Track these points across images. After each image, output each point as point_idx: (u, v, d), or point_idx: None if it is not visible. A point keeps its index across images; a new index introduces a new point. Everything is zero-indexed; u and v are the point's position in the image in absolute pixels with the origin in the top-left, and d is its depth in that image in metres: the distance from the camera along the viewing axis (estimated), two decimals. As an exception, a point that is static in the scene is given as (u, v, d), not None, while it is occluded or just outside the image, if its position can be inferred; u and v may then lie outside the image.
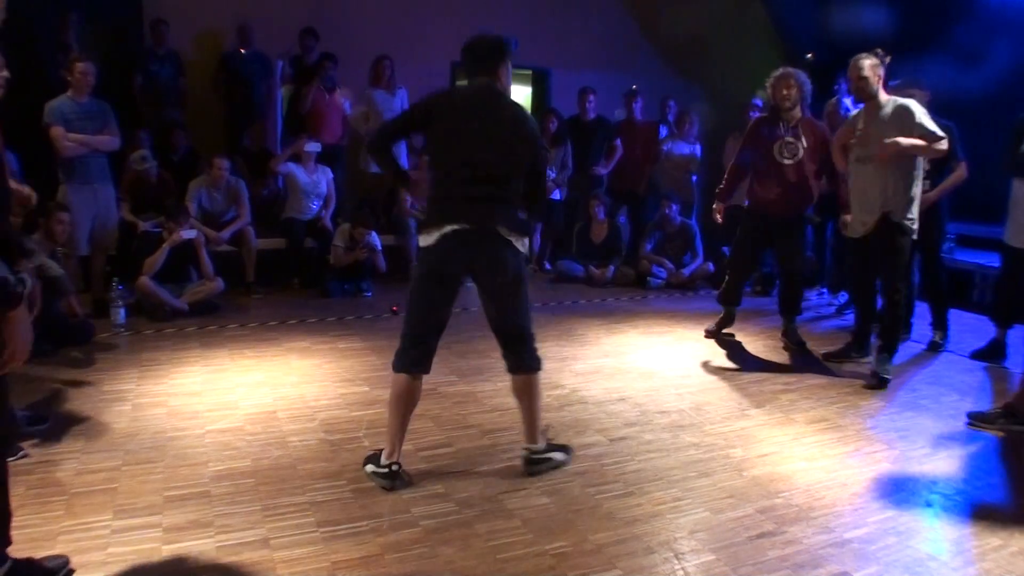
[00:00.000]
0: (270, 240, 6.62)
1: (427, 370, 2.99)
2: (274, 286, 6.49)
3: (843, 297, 6.42)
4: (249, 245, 6.30)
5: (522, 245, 2.98)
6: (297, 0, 8.07)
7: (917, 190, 4.38)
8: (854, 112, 4.60)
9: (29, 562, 2.25)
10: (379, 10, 8.47)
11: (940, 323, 5.27)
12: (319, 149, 6.76)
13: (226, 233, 6.16)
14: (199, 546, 2.51)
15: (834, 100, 6.21)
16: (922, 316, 5.46)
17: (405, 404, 2.99)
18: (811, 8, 8.51)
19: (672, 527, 2.75)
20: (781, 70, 5.01)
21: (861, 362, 4.78)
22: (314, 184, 6.74)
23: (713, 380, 4.46)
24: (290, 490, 2.92)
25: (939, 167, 4.98)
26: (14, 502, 2.71)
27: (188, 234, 5.54)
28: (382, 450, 3.05)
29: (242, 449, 3.28)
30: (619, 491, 3.00)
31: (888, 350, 4.50)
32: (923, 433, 3.76)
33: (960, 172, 5.02)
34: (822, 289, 6.90)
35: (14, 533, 2.52)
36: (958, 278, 6.66)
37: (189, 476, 3.01)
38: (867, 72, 4.30)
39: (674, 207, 7.25)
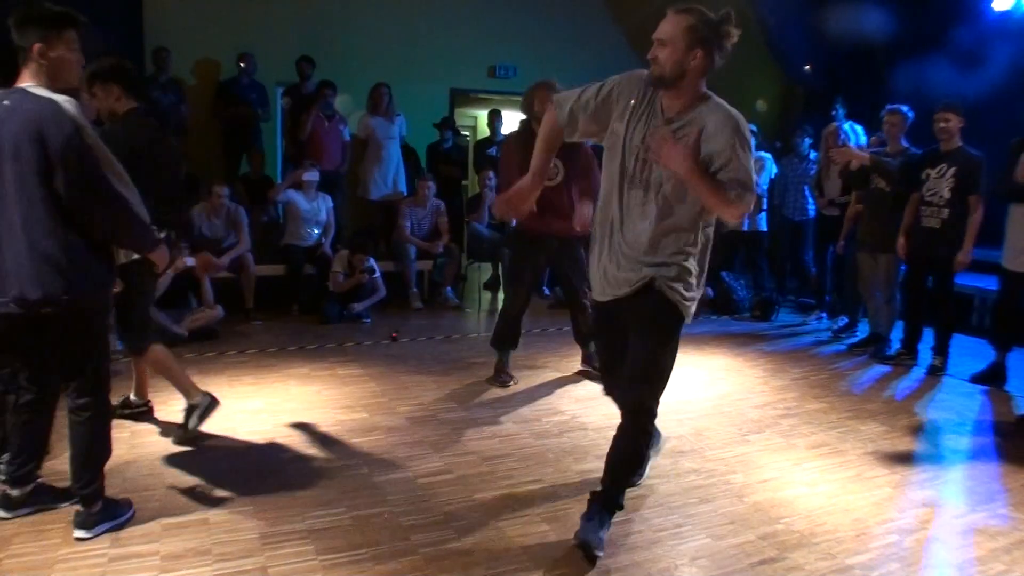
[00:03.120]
0: (269, 266, 6.63)
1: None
2: (273, 312, 6.49)
3: (842, 321, 6.43)
4: (248, 272, 6.31)
5: None
6: (295, 28, 8.17)
7: (700, 247, 2.64)
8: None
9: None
10: (377, 38, 8.57)
11: (942, 348, 5.26)
12: (317, 178, 6.79)
13: (225, 259, 6.17)
14: (197, 575, 2.49)
15: (832, 127, 6.23)
16: (924, 339, 5.47)
17: (172, 358, 3.71)
18: (804, 26, 8.59)
19: (673, 554, 2.73)
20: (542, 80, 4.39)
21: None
22: (314, 211, 6.77)
23: (713, 405, 4.45)
24: (289, 518, 2.91)
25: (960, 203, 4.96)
26: (8, 530, 2.71)
27: (191, 261, 5.56)
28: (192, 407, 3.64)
29: (240, 476, 3.26)
30: (619, 517, 2.97)
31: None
32: (924, 457, 3.75)
33: (977, 213, 4.96)
34: (821, 314, 6.90)
35: (11, 562, 2.51)
36: (957, 302, 6.68)
37: (187, 504, 2.99)
38: (679, 33, 2.40)
39: None
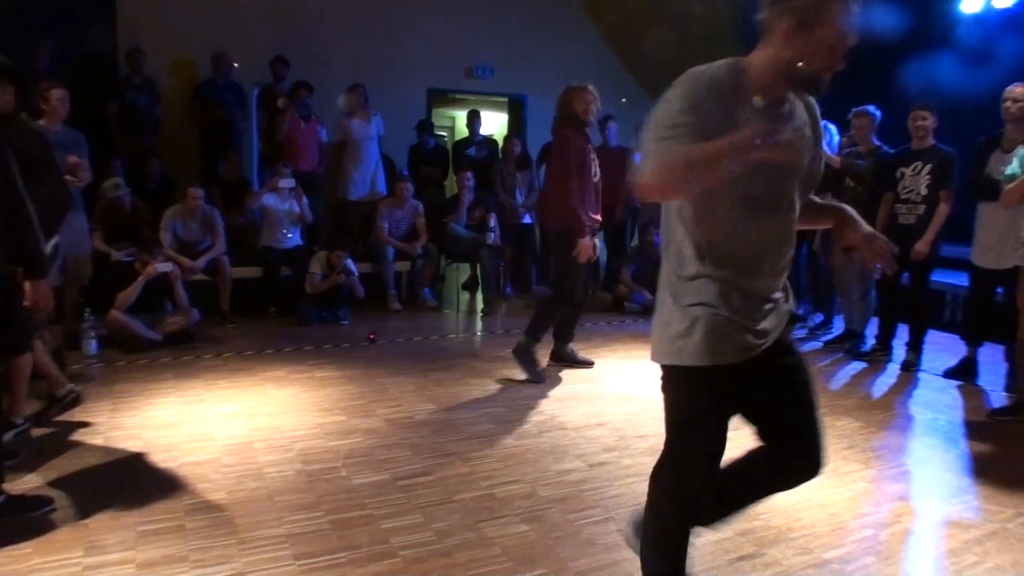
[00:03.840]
0: (246, 269, 6.58)
1: None
2: (250, 315, 6.44)
3: (817, 318, 6.49)
4: (224, 274, 6.25)
5: None
6: (271, 29, 8.13)
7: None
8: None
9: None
10: (353, 38, 8.54)
11: (915, 344, 5.33)
12: (292, 184, 6.75)
13: (201, 262, 6.12)
14: (173, 582, 2.47)
15: None
16: (898, 335, 5.54)
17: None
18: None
19: (652, 552, 2.74)
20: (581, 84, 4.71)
21: None
22: (288, 210, 6.73)
23: (691, 403, 4.46)
24: (267, 522, 2.88)
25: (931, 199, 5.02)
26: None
27: (163, 267, 5.48)
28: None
29: (217, 481, 3.23)
30: (599, 517, 2.99)
31: None
32: (898, 452, 3.80)
33: (946, 205, 5.02)
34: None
35: (-18, 572, 2.46)
36: (930, 297, 6.77)
37: (163, 510, 2.96)
38: None
39: (657, 235, 7.31)
